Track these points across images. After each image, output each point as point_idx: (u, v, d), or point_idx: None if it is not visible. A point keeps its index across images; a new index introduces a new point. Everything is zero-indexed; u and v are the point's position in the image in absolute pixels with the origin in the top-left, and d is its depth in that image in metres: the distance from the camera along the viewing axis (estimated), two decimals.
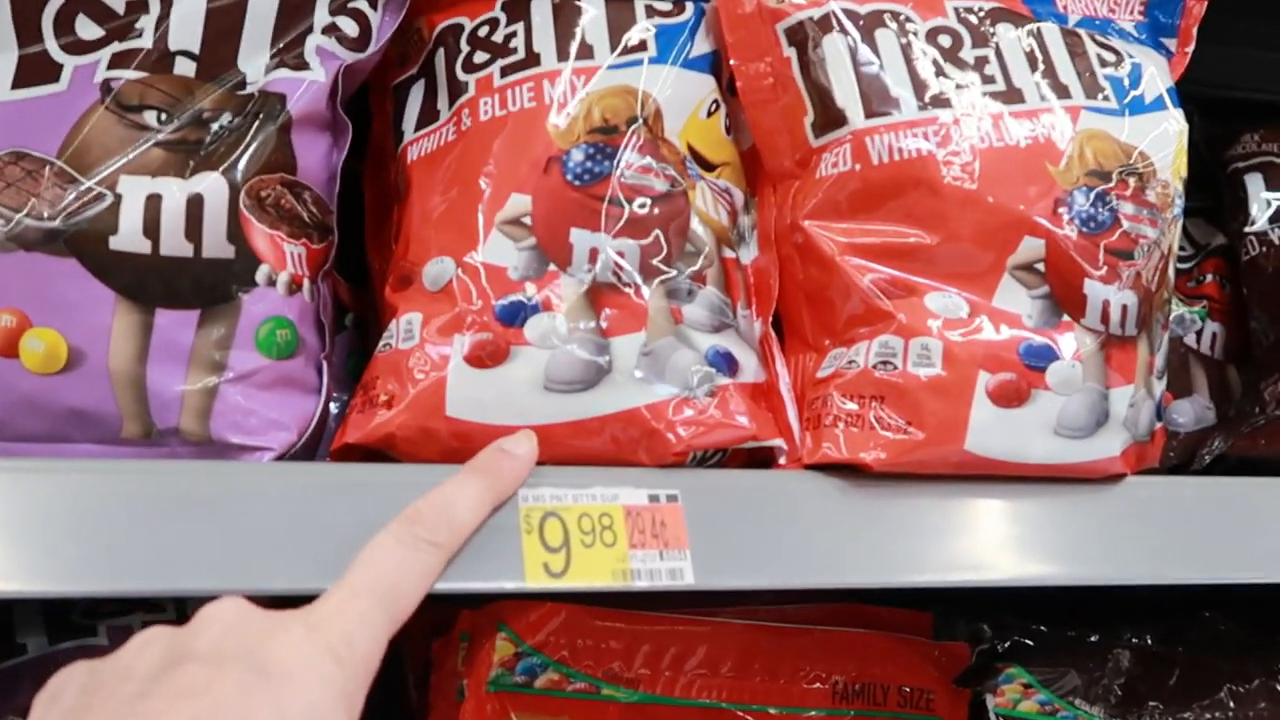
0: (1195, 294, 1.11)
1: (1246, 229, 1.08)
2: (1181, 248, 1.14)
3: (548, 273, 0.73)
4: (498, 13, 0.82)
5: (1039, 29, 0.82)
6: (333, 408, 0.86)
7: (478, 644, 0.80)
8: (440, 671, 0.83)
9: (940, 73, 0.78)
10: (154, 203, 0.72)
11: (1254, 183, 1.09)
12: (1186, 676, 0.97)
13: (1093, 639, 1.00)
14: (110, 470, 0.67)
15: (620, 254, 0.74)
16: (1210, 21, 0.94)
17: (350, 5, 0.81)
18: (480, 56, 0.81)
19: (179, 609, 0.86)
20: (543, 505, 0.67)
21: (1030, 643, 0.97)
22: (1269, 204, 1.07)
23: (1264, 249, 1.06)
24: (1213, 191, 1.14)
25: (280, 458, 0.74)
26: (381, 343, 0.77)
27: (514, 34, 0.80)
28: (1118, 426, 0.77)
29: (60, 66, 0.75)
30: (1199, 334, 1.09)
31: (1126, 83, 0.82)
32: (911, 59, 0.78)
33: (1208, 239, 1.15)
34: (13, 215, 0.71)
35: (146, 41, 0.76)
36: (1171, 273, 0.83)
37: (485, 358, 0.72)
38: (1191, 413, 1.07)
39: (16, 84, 0.75)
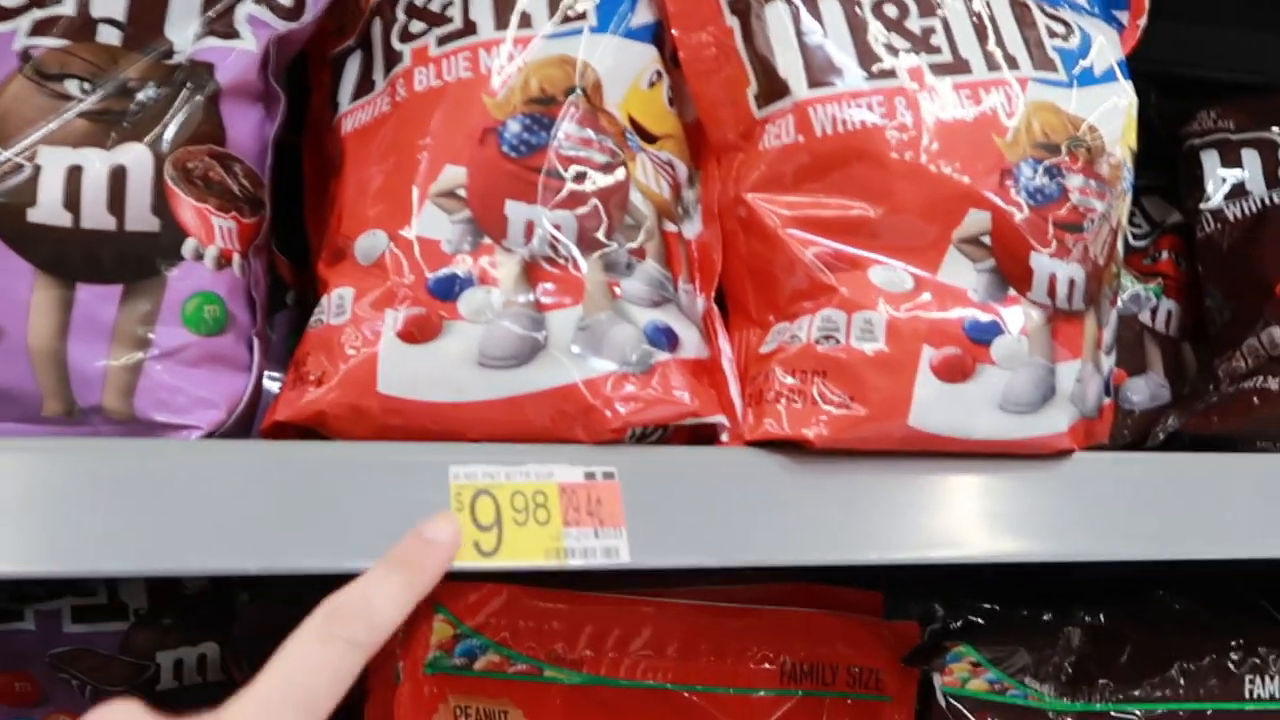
0: (1151, 271, 1.10)
1: (1202, 206, 1.07)
2: (1137, 225, 1.14)
3: (482, 246, 0.71)
4: None
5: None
6: (274, 387, 0.85)
7: (414, 625, 0.78)
8: (376, 654, 0.81)
9: (886, 43, 0.77)
10: (75, 174, 0.70)
11: (1209, 160, 1.08)
12: (1138, 654, 0.96)
13: (1045, 617, 0.99)
14: (32, 448, 0.65)
15: (557, 226, 0.72)
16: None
17: None
18: (416, 26, 0.79)
19: (109, 591, 0.84)
20: (474, 483, 0.66)
21: (981, 621, 0.97)
22: (1224, 181, 1.07)
23: (1219, 226, 1.05)
24: (1169, 169, 1.14)
25: (209, 436, 0.73)
26: (313, 318, 0.75)
27: (451, 3, 0.78)
28: (1065, 402, 0.76)
29: None
30: (1154, 311, 1.08)
31: (1076, 54, 0.81)
32: (856, 29, 0.77)
33: (1163, 216, 1.14)
34: None
35: (69, 9, 0.73)
36: (1120, 247, 0.82)
37: (418, 333, 0.70)
38: (1146, 390, 1.06)
39: None
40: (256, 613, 0.88)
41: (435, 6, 0.79)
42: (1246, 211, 1.04)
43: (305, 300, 0.94)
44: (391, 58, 0.79)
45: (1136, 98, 0.83)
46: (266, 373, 0.79)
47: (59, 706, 0.83)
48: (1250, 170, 1.07)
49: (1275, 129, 1.07)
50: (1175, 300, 1.09)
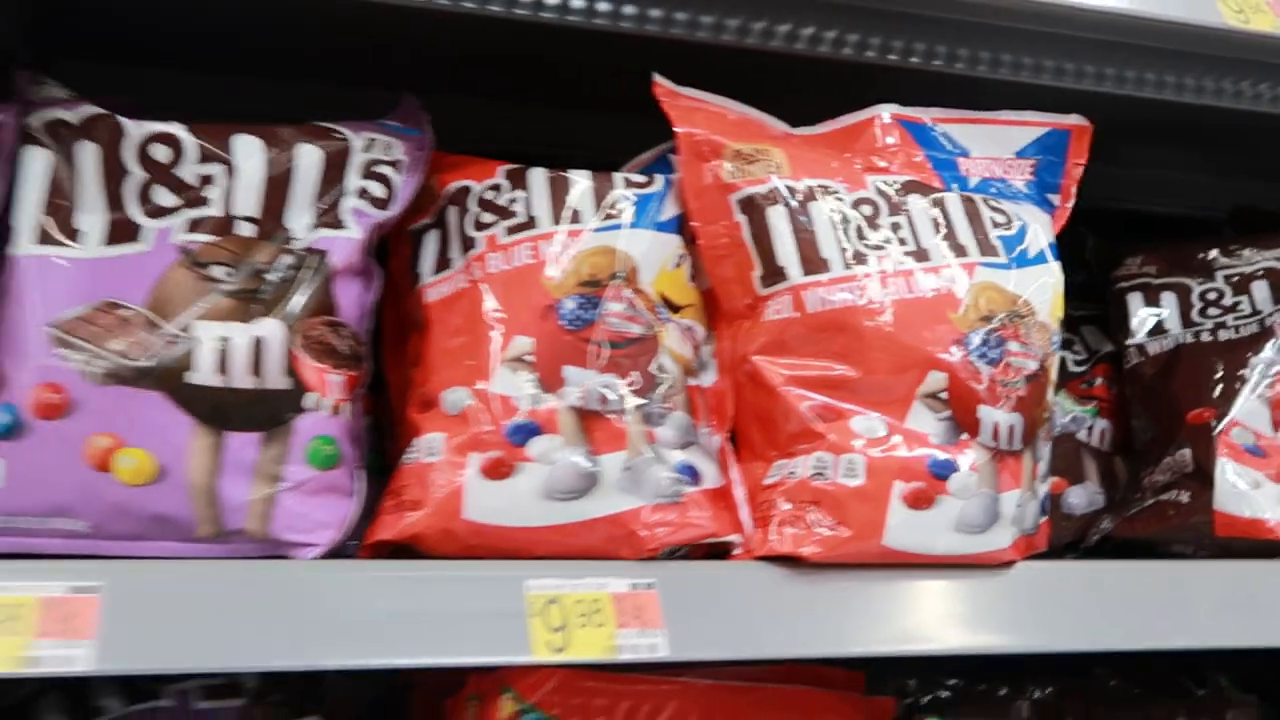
0: (1087, 395, 1.30)
1: (1128, 341, 1.27)
2: (1077, 352, 1.33)
3: (546, 402, 0.90)
4: (500, 179, 0.99)
5: (943, 198, 1.01)
6: None
7: (486, 702, 0.96)
8: None
9: (862, 237, 0.97)
10: (224, 344, 0.89)
11: (1134, 301, 1.28)
12: None
13: (1001, 692, 1.18)
14: (190, 570, 0.82)
15: (605, 387, 0.91)
16: (1104, 145, 1.13)
17: (376, 170, 0.98)
18: (487, 217, 0.98)
19: (228, 673, 1.02)
20: (546, 593, 0.84)
21: (946, 695, 1.15)
22: (1146, 320, 1.26)
23: (1141, 359, 1.25)
24: (1104, 302, 1.33)
25: (325, 552, 0.90)
26: (408, 455, 0.93)
27: (515, 199, 0.98)
28: (1008, 523, 0.95)
29: (142, 229, 0.91)
30: (1090, 429, 1.28)
31: (1015, 240, 1.01)
32: (838, 226, 0.97)
33: (1099, 345, 1.33)
34: (109, 355, 0.87)
35: (216, 209, 0.92)
36: (1051, 396, 1.01)
37: (495, 471, 0.89)
38: (1084, 497, 1.25)
39: (105, 243, 0.90)
40: (348, 692, 1.06)
41: (503, 201, 0.98)
42: (1164, 347, 1.24)
43: (380, 424, 1.12)
44: (467, 242, 0.98)
45: (1063, 276, 1.02)
46: None
47: None
48: (1169, 310, 1.26)
49: (1188, 276, 1.27)
50: (1108, 420, 1.28)
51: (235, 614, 0.81)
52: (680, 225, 1.00)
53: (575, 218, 0.96)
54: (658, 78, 1.01)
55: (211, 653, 0.81)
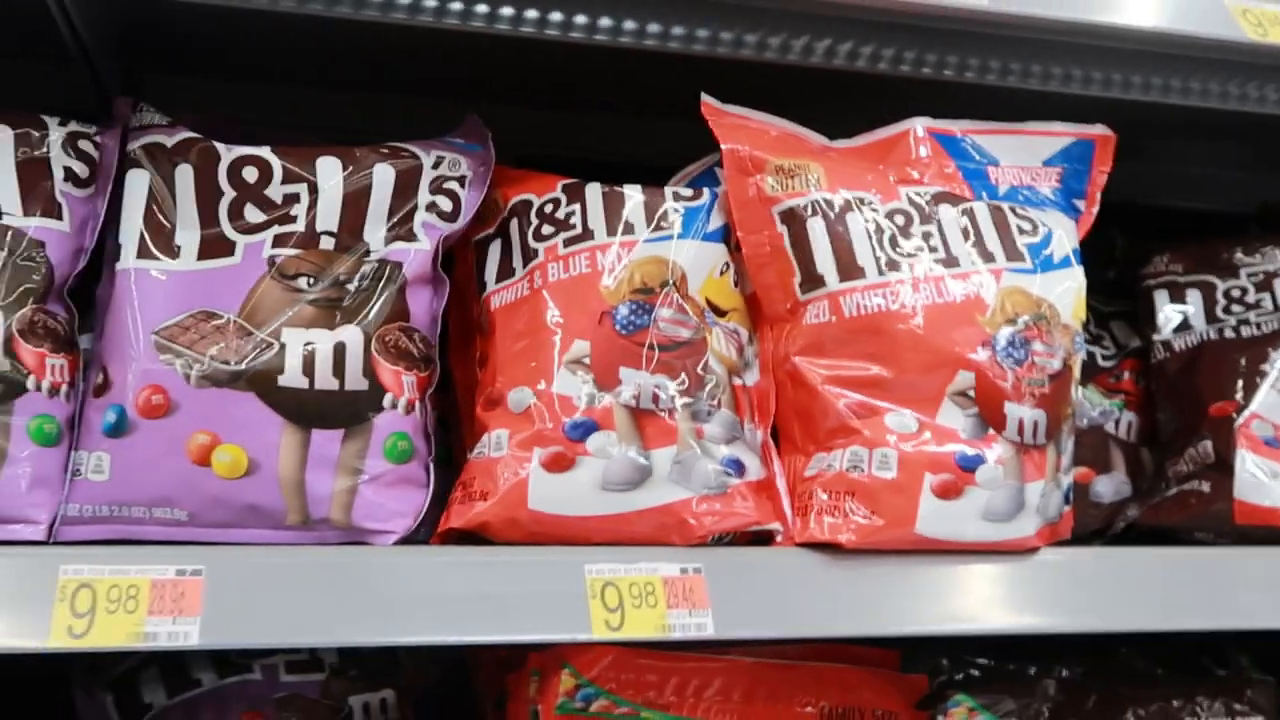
0: (1116, 389, 1.35)
1: (1154, 337, 1.32)
2: (1106, 347, 1.39)
3: (603, 400, 0.98)
4: (558, 194, 1.07)
5: (972, 208, 1.07)
6: None
7: (547, 678, 1.04)
8: (515, 699, 1.08)
9: (895, 245, 1.04)
10: (309, 349, 0.97)
11: (1161, 298, 1.33)
12: (1100, 703, 1.21)
13: (1030, 671, 1.24)
14: (281, 556, 0.92)
15: (657, 387, 0.99)
16: (1133, 142, 1.19)
17: (444, 186, 1.06)
18: (547, 229, 1.06)
19: (310, 649, 1.11)
20: (603, 577, 0.92)
21: (977, 674, 1.22)
22: (1172, 316, 1.32)
23: (1167, 354, 1.31)
24: (1132, 298, 1.39)
25: (400, 539, 0.99)
26: (476, 451, 1.01)
27: (573, 212, 1.05)
28: (1032, 513, 1.01)
29: (234, 244, 1.00)
30: (1117, 422, 1.33)
31: (1040, 246, 1.07)
32: (873, 235, 1.03)
33: (1127, 340, 1.39)
34: (206, 360, 0.96)
35: (300, 225, 1.01)
36: (1075, 393, 1.07)
37: (557, 465, 0.97)
38: (1111, 486, 1.31)
39: (201, 257, 0.99)
40: (418, 667, 1.15)
41: (561, 214, 1.06)
42: (1189, 343, 1.29)
43: (446, 420, 1.20)
44: (528, 252, 1.06)
45: (1085, 279, 1.09)
46: None
47: None
48: (1194, 307, 1.31)
49: (1213, 274, 1.32)
50: (1135, 413, 1.34)
51: (321, 594, 0.89)
52: (726, 235, 1.07)
53: (629, 229, 1.04)
54: (706, 97, 1.08)
55: (301, 629, 0.89)
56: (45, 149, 0.97)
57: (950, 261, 1.04)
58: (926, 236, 1.05)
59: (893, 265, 1.03)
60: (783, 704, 1.13)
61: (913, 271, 1.02)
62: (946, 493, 0.99)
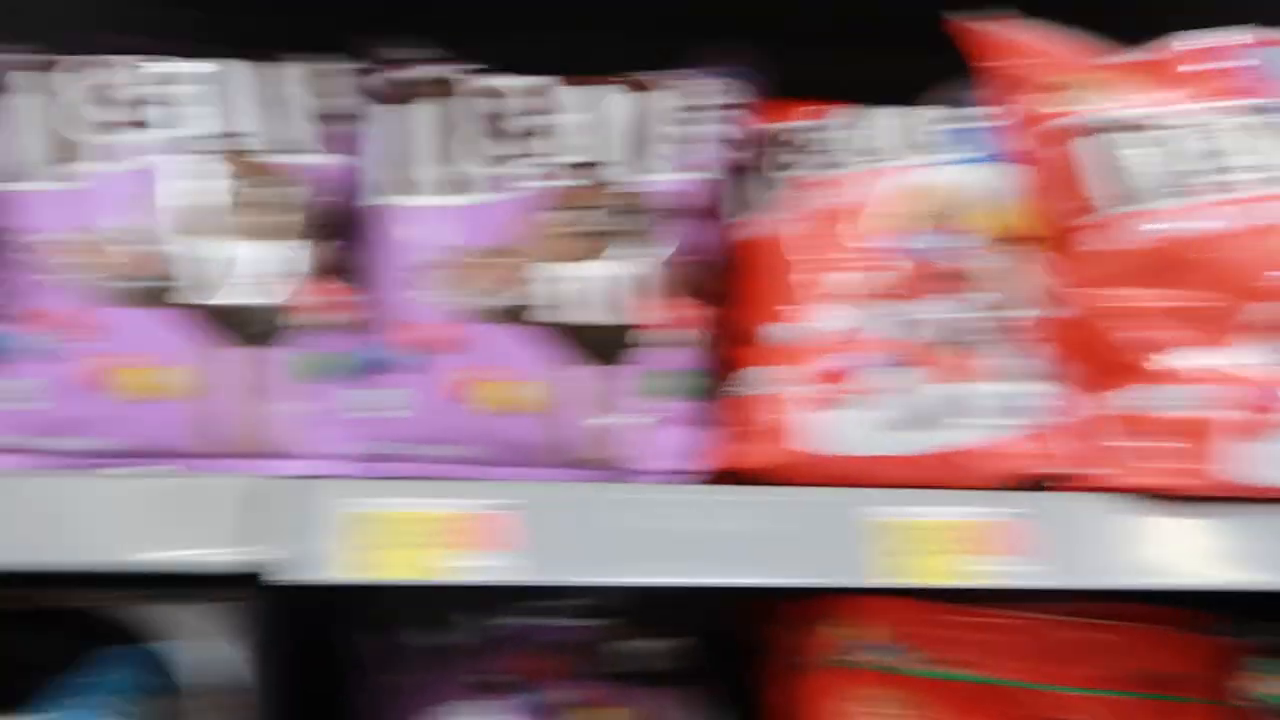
0: None
1: None
2: None
3: (892, 337, 0.93)
4: (823, 120, 1.04)
5: None
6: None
7: (817, 632, 1.00)
8: (779, 652, 1.04)
9: (1202, 164, 0.93)
10: (583, 283, 0.96)
11: None
12: None
13: None
14: (574, 492, 0.91)
15: (943, 320, 0.93)
16: None
17: (706, 116, 1.02)
18: (813, 159, 1.02)
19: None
20: (900, 520, 0.87)
21: None
22: None
23: None
24: None
25: (683, 479, 0.96)
26: (744, 388, 0.98)
27: (838, 140, 1.02)
28: None
29: (498, 178, 0.99)
30: None
31: None
32: (1172, 156, 0.94)
33: None
34: (482, 296, 0.96)
35: (567, 158, 1.00)
36: None
37: (835, 402, 0.92)
38: None
39: (467, 191, 0.99)
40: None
41: (827, 143, 1.01)
42: None
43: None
44: (793, 182, 1.02)
45: None
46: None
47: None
48: None
49: None
50: None
51: (617, 534, 0.88)
52: (1003, 159, 1.00)
53: (899, 155, 0.98)
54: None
55: (599, 567, 0.88)
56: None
57: (1261, 183, 0.93)
58: (1233, 154, 0.94)
59: (1196, 187, 0.93)
60: (1078, 665, 1.06)
61: (1216, 194, 0.92)
62: (1255, 433, 0.88)
